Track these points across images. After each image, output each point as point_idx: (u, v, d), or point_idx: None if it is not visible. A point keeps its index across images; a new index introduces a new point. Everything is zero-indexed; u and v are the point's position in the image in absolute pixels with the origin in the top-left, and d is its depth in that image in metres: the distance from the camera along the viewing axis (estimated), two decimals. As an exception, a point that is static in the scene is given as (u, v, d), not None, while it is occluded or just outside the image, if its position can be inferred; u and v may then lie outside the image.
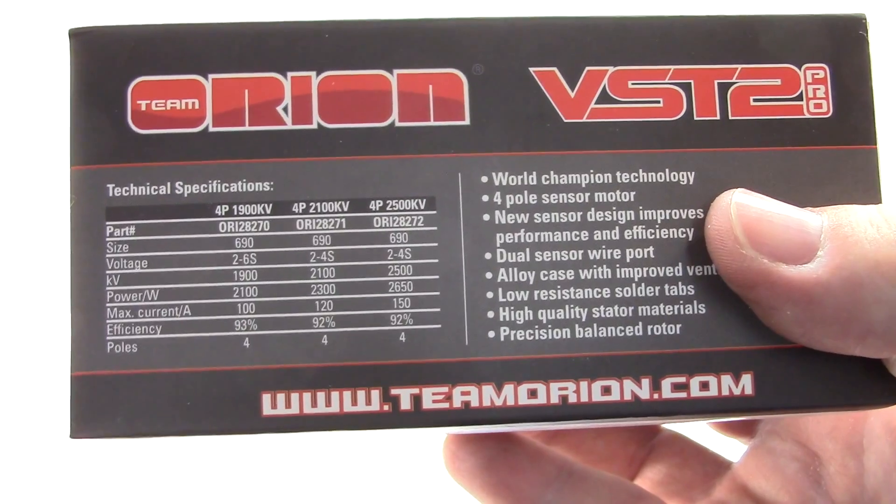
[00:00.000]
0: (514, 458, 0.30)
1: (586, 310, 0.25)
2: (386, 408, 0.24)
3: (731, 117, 0.25)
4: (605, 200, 0.25)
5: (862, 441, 0.31)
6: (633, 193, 0.25)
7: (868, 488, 0.30)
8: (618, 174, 0.25)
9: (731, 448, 0.35)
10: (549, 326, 0.25)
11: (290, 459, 0.52)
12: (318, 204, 0.25)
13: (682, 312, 0.25)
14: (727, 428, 0.35)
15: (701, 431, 0.36)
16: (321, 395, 0.24)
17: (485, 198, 0.25)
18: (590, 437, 0.35)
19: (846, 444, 0.31)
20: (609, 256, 0.25)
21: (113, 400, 0.24)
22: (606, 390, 0.24)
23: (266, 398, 0.24)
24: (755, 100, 0.26)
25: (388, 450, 0.52)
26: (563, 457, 0.32)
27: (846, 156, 0.25)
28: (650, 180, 0.25)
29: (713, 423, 0.35)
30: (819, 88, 0.26)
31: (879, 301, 0.23)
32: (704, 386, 0.25)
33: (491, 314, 0.24)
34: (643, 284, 0.25)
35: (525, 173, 0.25)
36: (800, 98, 0.26)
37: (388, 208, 0.25)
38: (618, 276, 0.25)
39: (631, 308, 0.25)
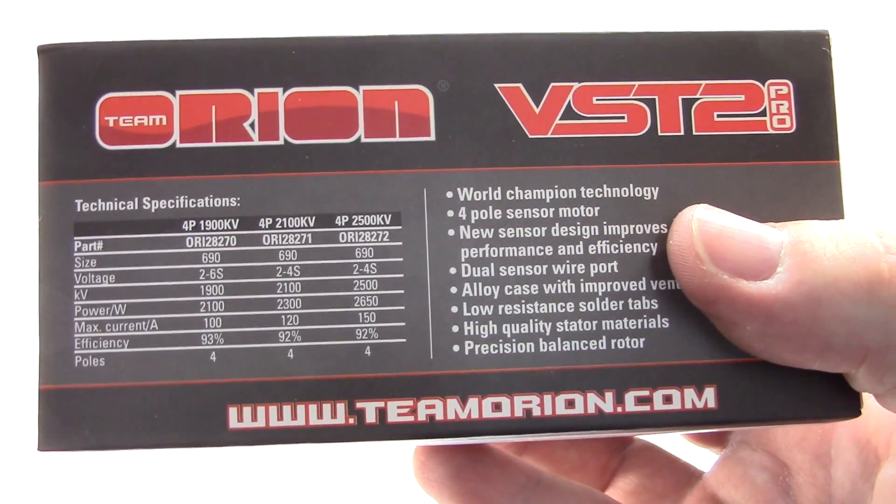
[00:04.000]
0: (483, 467, 0.31)
1: (550, 324, 0.25)
2: (351, 421, 0.24)
3: (695, 133, 0.26)
4: (569, 215, 0.25)
5: (830, 451, 0.31)
6: (597, 208, 0.25)
7: (836, 498, 0.30)
8: (582, 189, 0.25)
9: (702, 458, 0.35)
10: (514, 340, 0.25)
11: (260, 470, 0.53)
12: (285, 219, 0.25)
13: (645, 326, 0.25)
14: (699, 438, 0.35)
15: (673, 441, 0.36)
16: (287, 409, 0.24)
17: (450, 213, 0.25)
18: (562, 447, 0.35)
19: (814, 455, 0.31)
20: (573, 271, 0.25)
21: (80, 413, 0.24)
22: (570, 404, 0.25)
23: (233, 411, 0.24)
24: (719, 115, 0.26)
25: (357, 459, 0.52)
26: (533, 466, 0.32)
27: (809, 171, 0.26)
28: (614, 195, 0.25)
29: (685, 434, 0.35)
30: (782, 104, 0.26)
31: (837, 317, 0.23)
32: (668, 399, 0.25)
33: (455, 328, 0.25)
34: (607, 299, 0.25)
35: (490, 188, 0.25)
36: (763, 114, 0.26)
37: (353, 223, 0.25)
38: (582, 290, 0.25)
39: (595, 322, 0.25)
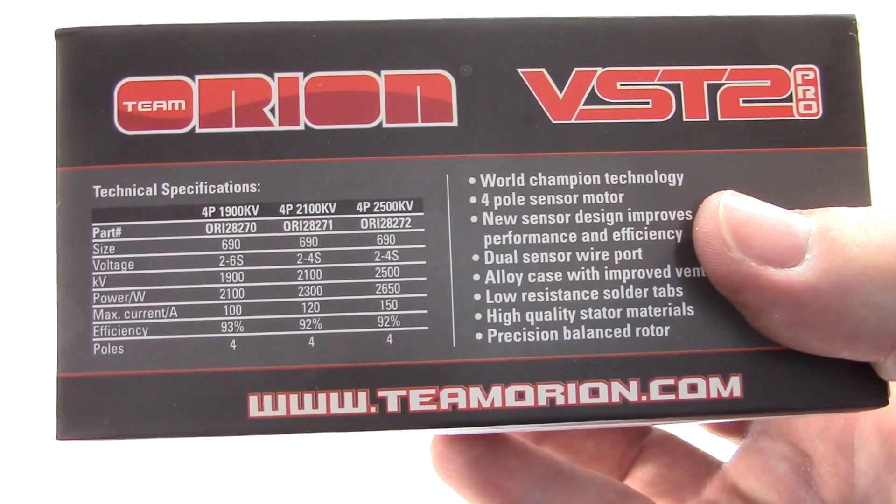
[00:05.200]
0: (501, 457, 0.30)
1: (574, 311, 0.25)
2: (373, 410, 0.24)
3: (720, 118, 0.25)
4: (593, 202, 0.25)
5: (853, 441, 0.31)
6: (621, 195, 0.25)
7: (858, 489, 0.30)
8: (606, 175, 0.25)
9: (721, 448, 0.35)
10: (537, 328, 0.24)
11: (278, 459, 0.52)
12: (305, 205, 0.24)
13: (670, 314, 0.25)
14: (718, 428, 0.35)
15: (692, 431, 0.36)
16: (308, 397, 0.24)
17: (472, 199, 0.25)
18: (580, 437, 0.35)
19: (837, 445, 0.31)
20: (597, 258, 0.25)
21: (99, 401, 0.24)
22: (594, 392, 0.24)
23: (253, 400, 0.24)
24: (745, 101, 0.25)
25: (376, 449, 0.52)
26: (552, 456, 0.31)
27: (836, 157, 0.25)
28: (639, 182, 0.25)
29: (704, 423, 0.35)
30: (809, 89, 0.26)
31: (867, 305, 0.23)
32: (693, 388, 0.25)
33: (478, 316, 0.24)
34: (631, 286, 0.25)
35: (513, 175, 0.25)
36: (789, 99, 0.25)
37: (375, 210, 0.25)
38: (606, 277, 0.25)
39: (619, 310, 0.25)
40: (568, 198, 0.25)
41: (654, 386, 0.24)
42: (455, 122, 0.25)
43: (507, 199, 0.25)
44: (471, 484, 0.30)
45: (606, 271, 0.25)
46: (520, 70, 0.25)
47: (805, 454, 0.32)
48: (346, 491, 0.52)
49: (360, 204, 0.25)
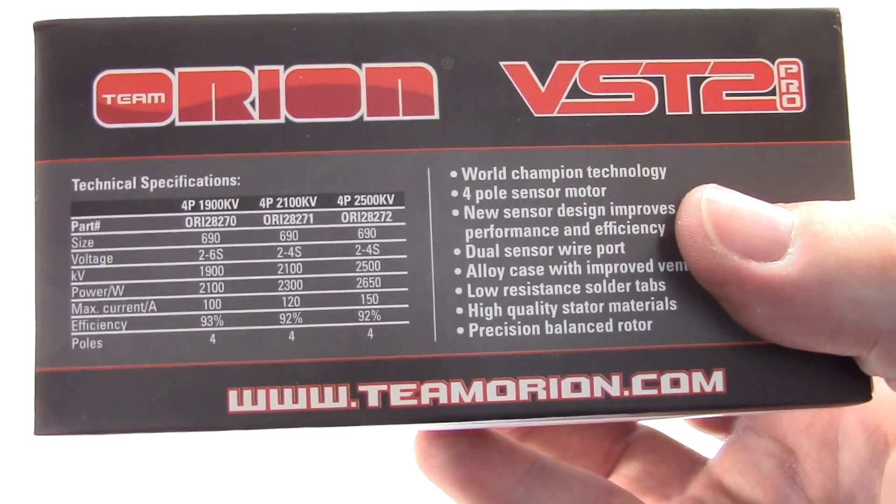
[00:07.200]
0: (485, 453, 0.30)
1: (556, 306, 0.24)
2: (353, 405, 0.24)
3: (703, 112, 0.25)
4: (575, 196, 0.25)
5: (837, 437, 0.31)
6: (603, 189, 0.25)
7: (843, 485, 0.30)
8: (589, 169, 0.25)
9: (707, 444, 0.35)
10: (519, 323, 0.24)
11: (259, 454, 0.52)
12: (286, 199, 0.24)
13: (653, 309, 0.25)
14: (703, 424, 0.35)
15: (678, 427, 0.35)
16: (288, 392, 0.24)
17: (454, 193, 0.25)
18: (564, 434, 0.34)
19: (822, 441, 0.31)
20: (579, 252, 0.25)
21: (78, 396, 0.24)
22: (576, 387, 0.24)
23: (232, 395, 0.24)
24: (728, 94, 0.25)
25: (358, 444, 0.52)
26: (536, 452, 0.31)
27: (819, 151, 0.25)
28: (621, 175, 0.25)
29: (689, 419, 0.35)
30: (792, 83, 0.25)
31: (849, 299, 0.23)
32: (675, 383, 0.24)
33: (460, 310, 0.24)
34: (614, 281, 0.25)
35: (495, 168, 0.25)
36: (773, 93, 0.25)
37: (356, 203, 0.24)
38: (588, 272, 0.25)
39: (601, 304, 0.25)
40: (550, 191, 0.25)
41: (637, 381, 0.24)
42: (436, 116, 0.25)
43: (488, 193, 0.25)
44: (454, 480, 0.30)
45: (589, 265, 0.25)
46: (502, 63, 0.25)
47: (790, 450, 0.32)
48: (328, 486, 0.52)
49: (340, 198, 0.24)
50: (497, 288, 0.24)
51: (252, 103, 0.25)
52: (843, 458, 0.30)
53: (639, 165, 0.25)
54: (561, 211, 0.25)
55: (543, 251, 0.25)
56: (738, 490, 0.32)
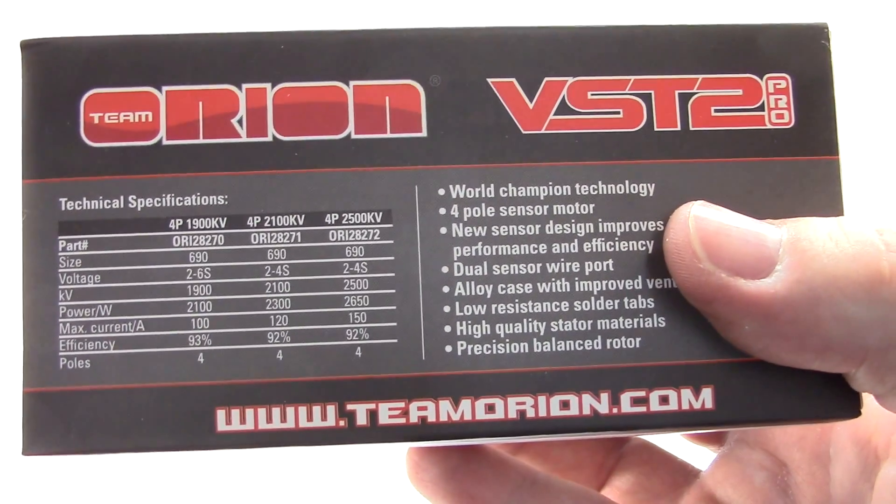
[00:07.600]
0: (477, 467, 0.30)
1: (544, 323, 0.24)
2: (342, 423, 0.24)
3: (691, 128, 0.25)
4: (563, 213, 0.25)
5: (829, 451, 0.31)
6: (592, 206, 0.25)
7: (835, 498, 0.30)
8: (577, 186, 0.25)
9: (700, 456, 0.35)
10: (507, 340, 0.24)
11: (249, 474, 0.52)
12: (274, 217, 0.24)
13: (641, 326, 0.25)
14: (696, 436, 0.35)
15: (671, 440, 0.35)
16: (276, 411, 0.24)
17: (442, 210, 0.24)
18: (557, 447, 0.34)
19: (813, 454, 0.31)
20: (568, 269, 0.25)
21: (65, 416, 0.24)
22: (565, 405, 0.24)
23: (221, 414, 0.24)
24: (716, 110, 0.25)
25: (349, 459, 0.52)
26: (528, 466, 0.31)
27: (808, 167, 0.25)
28: (609, 192, 0.25)
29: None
30: (781, 98, 0.25)
31: (837, 317, 0.23)
32: (664, 400, 0.24)
33: (448, 328, 0.24)
34: (602, 298, 0.25)
35: (483, 186, 0.25)
36: (761, 108, 0.25)
37: (343, 222, 0.24)
38: (576, 289, 0.25)
39: (590, 321, 0.24)
40: (538, 209, 0.25)
41: (626, 398, 0.24)
42: (424, 133, 0.25)
43: (476, 211, 0.25)
44: (446, 494, 0.30)
45: (577, 283, 0.25)
46: (489, 80, 0.25)
47: (782, 463, 0.32)
48: (320, 500, 0.52)
49: (328, 216, 0.24)
50: (485, 306, 0.24)
51: (239, 121, 0.24)
52: (834, 471, 0.30)
53: (627, 182, 0.25)
54: (549, 228, 0.25)
55: (531, 268, 0.25)
56: (730, 502, 0.32)
